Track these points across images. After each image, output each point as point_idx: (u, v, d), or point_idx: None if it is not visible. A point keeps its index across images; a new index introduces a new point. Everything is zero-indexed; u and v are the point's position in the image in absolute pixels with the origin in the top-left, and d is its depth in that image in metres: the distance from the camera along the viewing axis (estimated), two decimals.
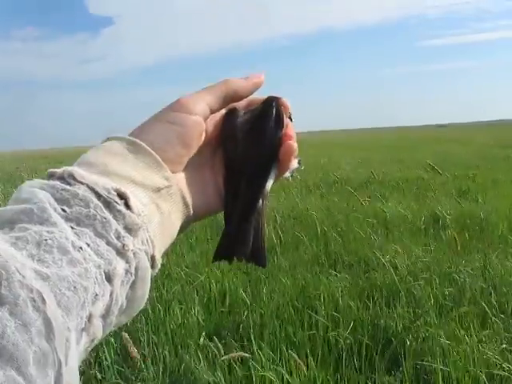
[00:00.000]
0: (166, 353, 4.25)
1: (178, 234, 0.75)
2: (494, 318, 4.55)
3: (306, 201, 11.10)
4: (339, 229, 7.94)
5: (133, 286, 0.65)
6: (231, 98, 0.76)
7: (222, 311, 5.22)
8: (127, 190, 0.65)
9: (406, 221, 8.52)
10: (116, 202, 0.63)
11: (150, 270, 0.67)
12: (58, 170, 0.66)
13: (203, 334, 4.48)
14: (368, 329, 4.58)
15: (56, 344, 0.52)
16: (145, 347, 4.37)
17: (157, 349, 4.35)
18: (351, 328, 4.48)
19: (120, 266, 0.61)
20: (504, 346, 4.02)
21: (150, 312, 5.00)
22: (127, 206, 0.64)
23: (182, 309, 5.13)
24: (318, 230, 7.74)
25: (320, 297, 5.13)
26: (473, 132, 65.44)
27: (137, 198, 0.67)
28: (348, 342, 4.30)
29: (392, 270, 5.37)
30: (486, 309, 4.59)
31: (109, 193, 0.63)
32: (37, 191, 0.61)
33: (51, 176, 0.66)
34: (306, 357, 4.03)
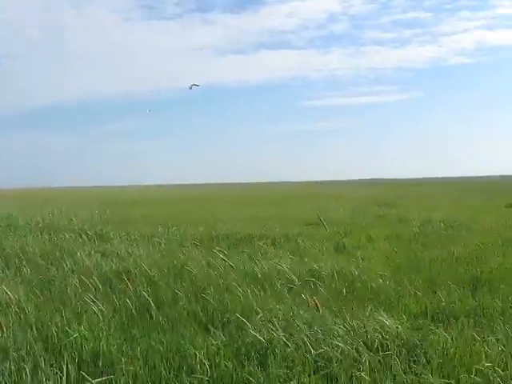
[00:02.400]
0: None
1: None
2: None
3: (186, 255, 11.03)
4: (217, 285, 7.91)
5: None
6: None
7: (93, 372, 5.00)
8: None
9: (283, 277, 8.62)
10: None
11: None
12: None
13: None
14: None
15: None
16: None
17: None
18: None
19: None
20: None
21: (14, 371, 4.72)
22: None
23: (52, 370, 4.86)
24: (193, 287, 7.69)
25: (196, 357, 5.06)
26: (347, 189, 68.52)
27: None
28: None
29: (266, 329, 5.42)
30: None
31: None
32: None
33: None
34: None
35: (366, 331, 5.74)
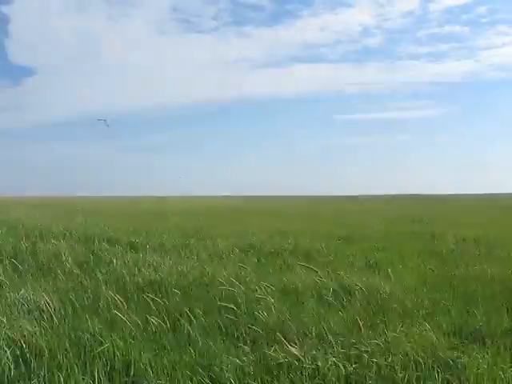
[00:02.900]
0: None
1: None
2: None
3: (216, 267, 11.02)
4: (248, 297, 7.89)
5: None
6: None
7: (125, 382, 5.05)
8: None
9: (315, 291, 8.59)
10: None
11: None
12: None
13: None
14: None
15: None
16: None
17: None
18: None
19: None
20: None
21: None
22: None
23: (84, 379, 4.91)
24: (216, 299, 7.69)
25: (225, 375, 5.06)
26: (380, 204, 68.06)
27: None
28: None
29: (297, 344, 5.38)
30: None
31: None
32: None
33: None
34: None
35: (400, 348, 5.66)
